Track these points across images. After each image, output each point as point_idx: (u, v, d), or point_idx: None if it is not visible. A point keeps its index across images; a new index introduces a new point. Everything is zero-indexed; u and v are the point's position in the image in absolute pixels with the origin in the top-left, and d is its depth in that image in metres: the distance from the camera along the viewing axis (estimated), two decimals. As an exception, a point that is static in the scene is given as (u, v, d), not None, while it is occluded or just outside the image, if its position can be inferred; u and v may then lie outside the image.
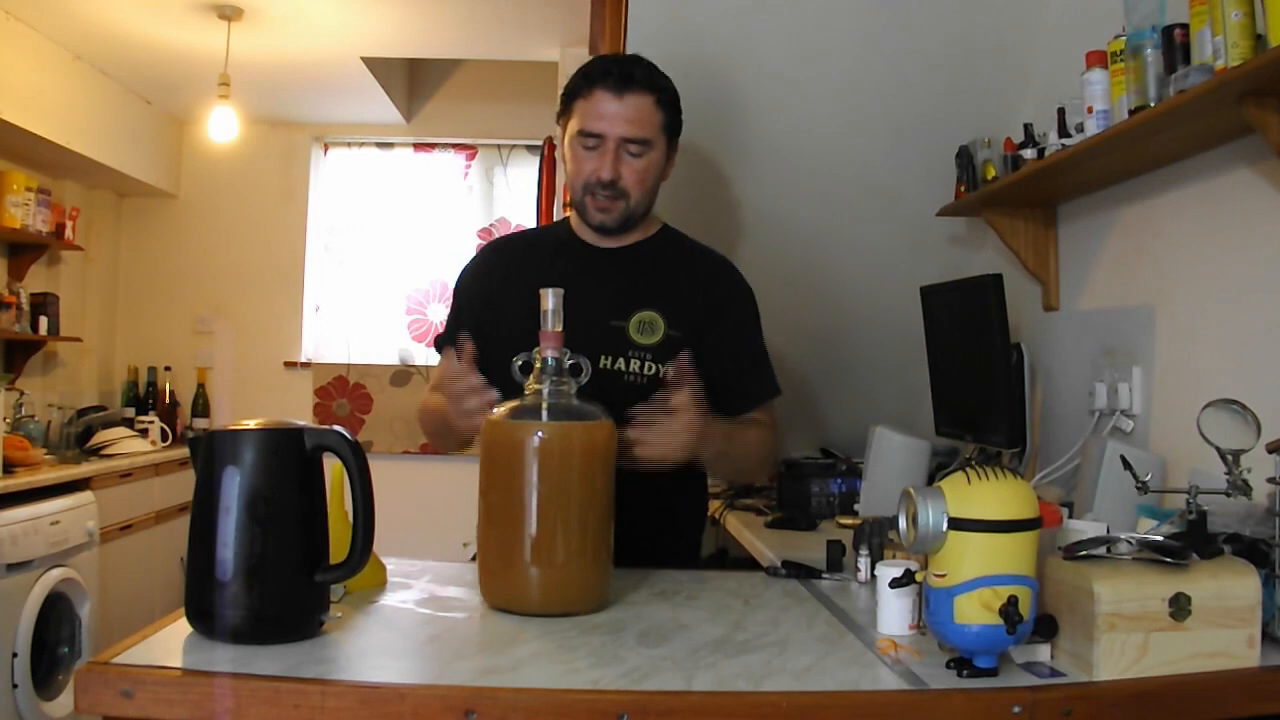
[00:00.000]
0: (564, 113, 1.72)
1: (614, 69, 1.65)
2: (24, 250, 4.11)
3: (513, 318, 1.67)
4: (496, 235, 4.98)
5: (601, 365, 1.64)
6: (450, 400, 1.50)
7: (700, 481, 1.85)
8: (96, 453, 4.02)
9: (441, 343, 1.78)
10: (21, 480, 3.23)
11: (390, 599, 1.38)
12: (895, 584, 1.23)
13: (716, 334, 1.69)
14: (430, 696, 1.01)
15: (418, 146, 5.08)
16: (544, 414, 1.33)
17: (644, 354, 1.66)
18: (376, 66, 4.30)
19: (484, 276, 1.81)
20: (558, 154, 1.78)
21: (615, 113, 1.63)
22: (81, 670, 1.04)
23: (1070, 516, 1.51)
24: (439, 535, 1.88)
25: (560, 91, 1.75)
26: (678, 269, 1.76)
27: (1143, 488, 1.36)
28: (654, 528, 1.54)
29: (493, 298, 1.76)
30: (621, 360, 1.67)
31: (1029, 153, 2.14)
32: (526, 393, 1.36)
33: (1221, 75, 1.44)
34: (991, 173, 2.29)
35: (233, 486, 1.14)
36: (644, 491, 1.43)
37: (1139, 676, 1.10)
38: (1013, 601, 1.06)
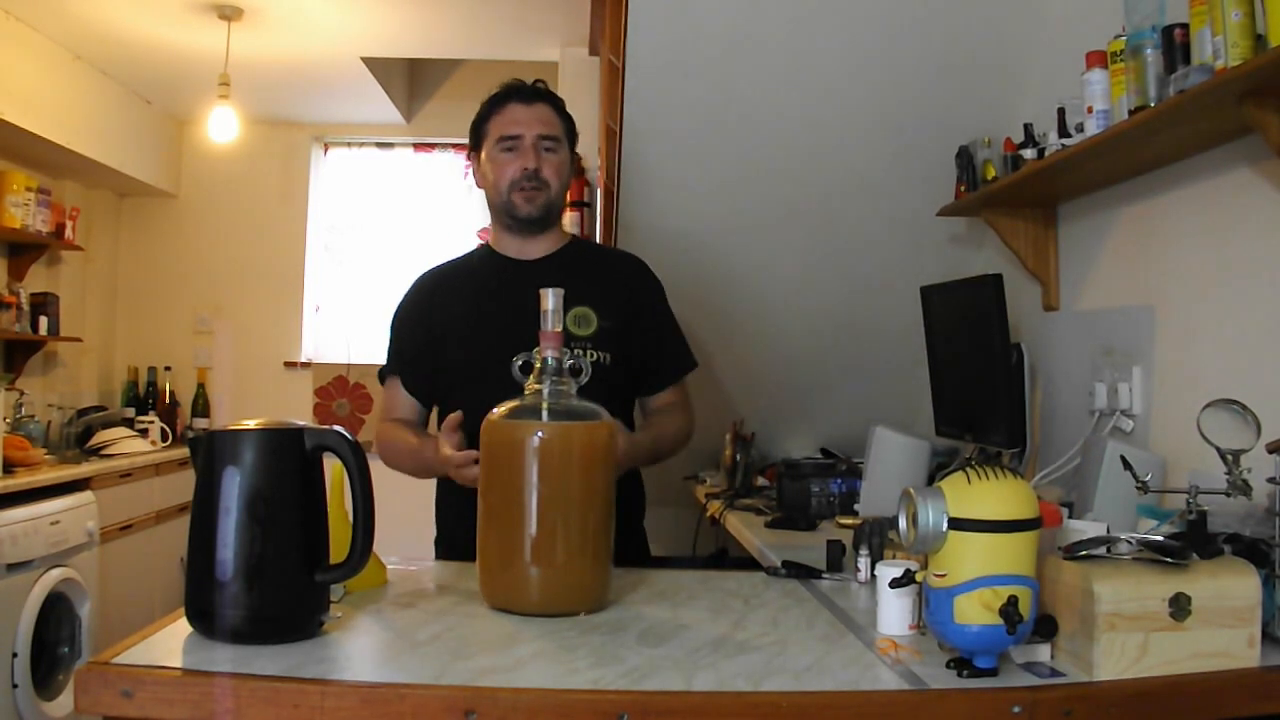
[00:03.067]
0: (477, 140, 1.88)
1: (522, 86, 1.86)
2: (24, 250, 4.11)
3: (457, 341, 1.82)
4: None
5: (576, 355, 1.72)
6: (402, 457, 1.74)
7: (634, 473, 1.90)
8: (96, 453, 4.02)
9: (384, 374, 1.92)
10: (21, 480, 3.23)
11: (390, 599, 1.38)
12: (895, 584, 1.23)
13: (640, 323, 1.86)
14: (430, 696, 1.01)
15: (418, 146, 5.08)
16: (544, 414, 1.33)
17: (584, 344, 1.77)
18: (376, 66, 4.30)
19: (421, 308, 1.91)
20: (474, 178, 1.95)
21: (529, 116, 1.83)
22: (81, 670, 1.04)
23: (1070, 516, 1.51)
24: (439, 535, 1.88)
25: (471, 123, 1.90)
26: (597, 269, 1.91)
27: (1143, 488, 1.37)
28: None
29: (433, 328, 1.86)
30: (565, 351, 1.73)
31: (1029, 153, 2.14)
32: (526, 393, 1.36)
33: (1221, 75, 1.44)
34: (991, 173, 2.29)
35: (233, 486, 1.14)
36: None
37: (1139, 676, 1.10)
38: (1013, 601, 1.06)
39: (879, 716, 1.05)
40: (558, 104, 1.88)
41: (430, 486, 1.87)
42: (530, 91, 1.85)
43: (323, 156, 5.14)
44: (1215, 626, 1.12)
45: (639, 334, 1.84)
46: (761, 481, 3.05)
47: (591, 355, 1.76)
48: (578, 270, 1.86)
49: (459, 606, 1.36)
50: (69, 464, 3.67)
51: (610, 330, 1.80)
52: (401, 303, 1.95)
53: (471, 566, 1.38)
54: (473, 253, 2.03)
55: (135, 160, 4.53)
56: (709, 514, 2.85)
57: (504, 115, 1.83)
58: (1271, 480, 1.23)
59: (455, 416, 1.59)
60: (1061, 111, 2.02)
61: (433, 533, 1.90)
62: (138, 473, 3.99)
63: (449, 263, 2.01)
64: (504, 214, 1.86)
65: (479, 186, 1.91)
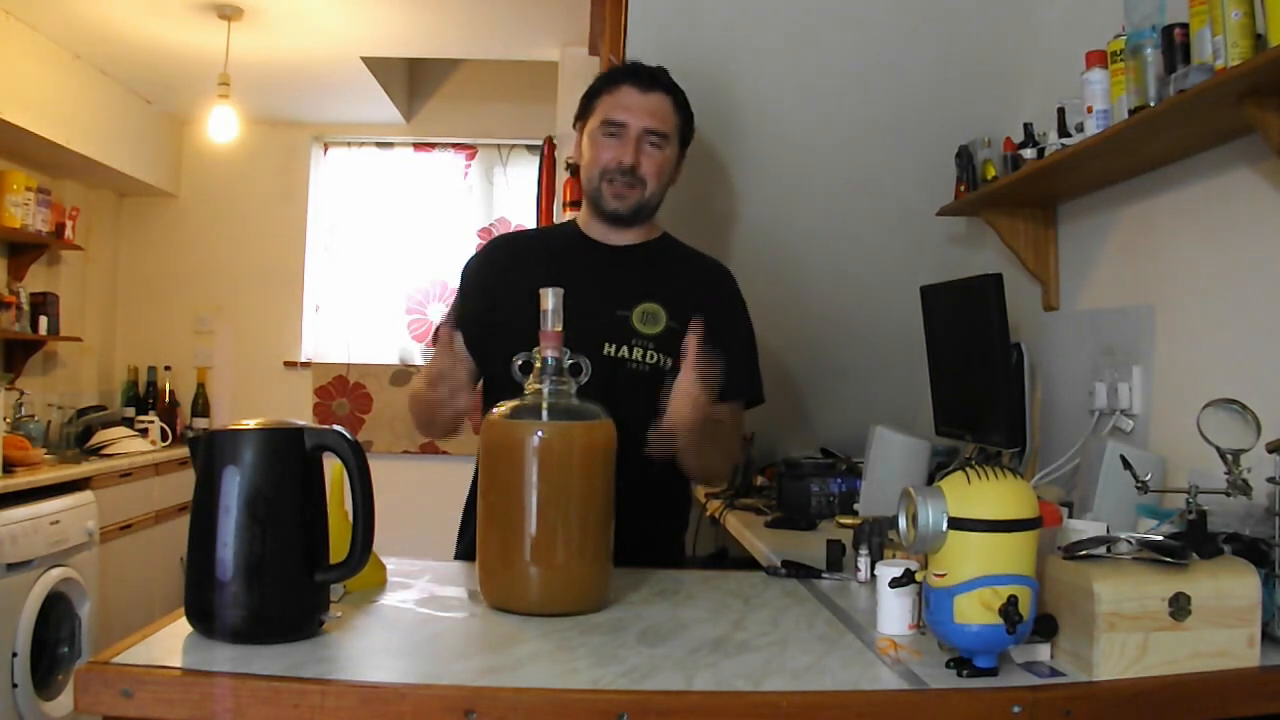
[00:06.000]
0: (584, 113, 1.78)
1: (641, 69, 1.73)
2: (24, 250, 4.11)
3: (519, 311, 1.67)
4: (496, 234, 4.97)
5: (605, 352, 1.68)
6: (428, 387, 1.56)
7: (683, 481, 1.84)
8: (96, 452, 4.02)
9: (441, 328, 1.77)
10: (21, 480, 3.23)
11: (390, 599, 1.38)
12: (895, 584, 1.23)
13: (714, 330, 1.70)
14: (430, 696, 1.01)
15: (418, 146, 5.08)
16: (544, 414, 1.33)
17: (646, 343, 1.70)
18: (376, 66, 4.30)
19: (491, 269, 1.82)
20: (559, 155, 1.83)
21: (640, 105, 1.70)
22: (81, 670, 1.04)
23: (1070, 516, 1.51)
24: (439, 535, 1.88)
25: (583, 93, 1.79)
26: (679, 269, 1.82)
27: (1143, 487, 1.36)
28: (638, 527, 1.53)
29: (499, 291, 1.77)
30: (625, 348, 1.70)
31: (1029, 152, 2.14)
32: (526, 392, 1.35)
33: (1221, 75, 1.44)
34: (991, 172, 2.29)
35: (233, 486, 1.14)
36: (628, 490, 1.40)
37: (1139, 676, 1.10)
38: (1013, 601, 1.06)
39: (879, 716, 1.05)
40: (678, 97, 1.75)
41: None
42: (649, 77, 1.72)
43: (323, 156, 5.14)
44: (1215, 626, 1.12)
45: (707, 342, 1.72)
46: (761, 481, 3.05)
47: (652, 357, 1.69)
48: (659, 266, 1.78)
49: (459, 606, 1.36)
50: (69, 464, 3.67)
51: (678, 333, 1.64)
52: (473, 259, 1.86)
53: (471, 566, 1.38)
54: (556, 226, 1.93)
55: (135, 160, 4.53)
56: (709, 514, 2.85)
57: (615, 96, 1.71)
58: (1271, 480, 1.23)
59: (445, 332, 1.49)
60: (1061, 111, 2.02)
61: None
62: (138, 472, 3.99)
63: (531, 230, 1.92)
64: (592, 202, 1.76)
65: (574, 160, 1.79)
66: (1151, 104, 1.66)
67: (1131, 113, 1.71)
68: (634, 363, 1.70)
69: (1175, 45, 1.59)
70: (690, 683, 1.06)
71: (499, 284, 1.78)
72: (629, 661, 1.12)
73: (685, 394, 1.46)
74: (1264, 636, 1.15)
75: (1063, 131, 2.01)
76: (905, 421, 2.83)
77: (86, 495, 3.53)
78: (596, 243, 1.79)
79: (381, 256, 5.04)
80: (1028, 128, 2.20)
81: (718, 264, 1.88)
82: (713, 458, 1.75)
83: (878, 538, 1.57)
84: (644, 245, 1.81)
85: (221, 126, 3.92)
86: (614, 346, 1.69)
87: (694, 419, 1.47)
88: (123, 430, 4.27)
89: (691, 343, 1.46)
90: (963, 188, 2.41)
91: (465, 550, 1.80)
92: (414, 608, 1.35)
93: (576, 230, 1.84)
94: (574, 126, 1.84)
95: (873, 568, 1.44)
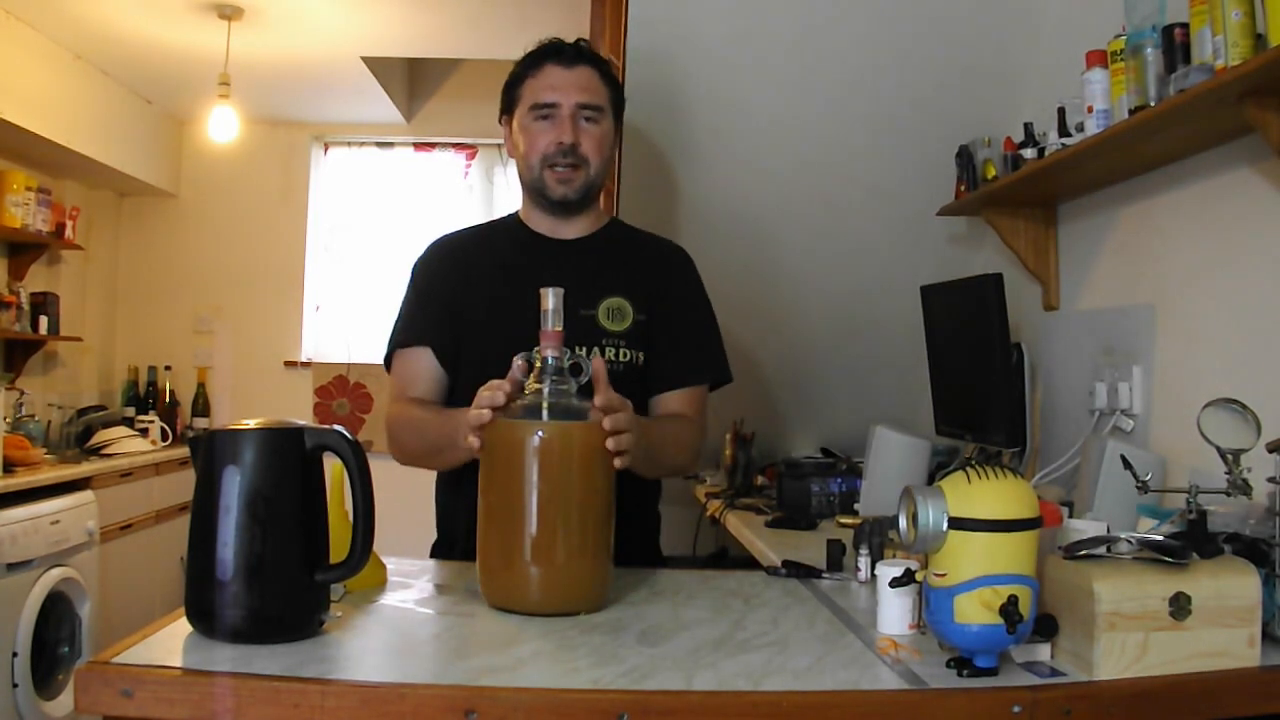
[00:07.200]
0: (508, 105, 1.71)
1: (560, 46, 1.67)
2: (24, 250, 4.11)
3: (474, 317, 1.66)
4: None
5: (577, 355, 1.62)
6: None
7: (655, 483, 1.80)
8: (96, 452, 4.02)
9: (399, 346, 1.71)
10: (21, 480, 3.23)
11: (390, 599, 1.38)
12: (895, 583, 1.23)
13: (673, 314, 1.69)
14: (430, 696, 1.01)
15: (418, 146, 5.08)
16: (544, 414, 1.33)
17: (617, 341, 1.64)
18: (376, 66, 4.30)
19: (442, 274, 1.73)
20: (504, 151, 1.77)
21: (568, 81, 1.64)
22: (81, 670, 1.04)
23: (1070, 516, 1.51)
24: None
25: (503, 84, 1.73)
26: (634, 256, 1.75)
27: (1143, 487, 1.37)
28: (620, 526, 1.48)
29: (454, 297, 1.69)
30: (596, 350, 1.64)
31: (1029, 152, 2.15)
32: (526, 392, 1.35)
33: (1221, 75, 1.44)
34: (991, 172, 2.29)
35: (233, 486, 1.14)
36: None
37: (1139, 676, 1.10)
38: (1013, 601, 1.06)
39: (879, 716, 1.05)
40: (602, 67, 1.68)
41: (431, 489, 1.85)
42: (571, 52, 1.66)
43: (323, 156, 5.14)
44: (1215, 626, 1.12)
45: (667, 324, 1.67)
46: (761, 481, 3.05)
47: (624, 354, 1.63)
48: (614, 256, 1.71)
49: (459, 606, 1.36)
50: (69, 463, 3.67)
51: (645, 325, 1.65)
52: (420, 266, 1.74)
53: (471, 566, 1.38)
54: (497, 222, 1.83)
55: (135, 160, 4.53)
56: (709, 514, 2.85)
57: (540, 78, 1.65)
58: (1271, 480, 1.23)
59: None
60: (1061, 111, 2.03)
61: (434, 533, 1.86)
62: (138, 472, 3.99)
63: (470, 229, 1.80)
64: (535, 193, 1.68)
65: (510, 156, 1.73)
66: (1152, 104, 1.66)
67: (1132, 113, 1.71)
68: (607, 364, 1.59)
69: (1175, 45, 1.60)
70: (690, 683, 1.06)
71: (454, 290, 1.69)
72: (629, 661, 1.12)
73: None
74: (1264, 636, 1.15)
75: (1063, 131, 2.01)
76: (905, 421, 2.83)
77: (87, 495, 3.53)
78: (546, 238, 1.71)
79: (382, 256, 5.04)
80: (1028, 128, 2.20)
81: (673, 245, 1.82)
82: (670, 462, 1.63)
83: (878, 537, 1.57)
84: (596, 235, 1.73)
85: (221, 126, 3.92)
86: (585, 349, 1.61)
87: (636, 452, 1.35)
88: (123, 430, 4.27)
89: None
90: (963, 188, 2.41)
91: (446, 554, 1.75)
92: (414, 608, 1.35)
93: (521, 225, 1.75)
94: (500, 122, 1.75)
95: (873, 567, 1.44)
